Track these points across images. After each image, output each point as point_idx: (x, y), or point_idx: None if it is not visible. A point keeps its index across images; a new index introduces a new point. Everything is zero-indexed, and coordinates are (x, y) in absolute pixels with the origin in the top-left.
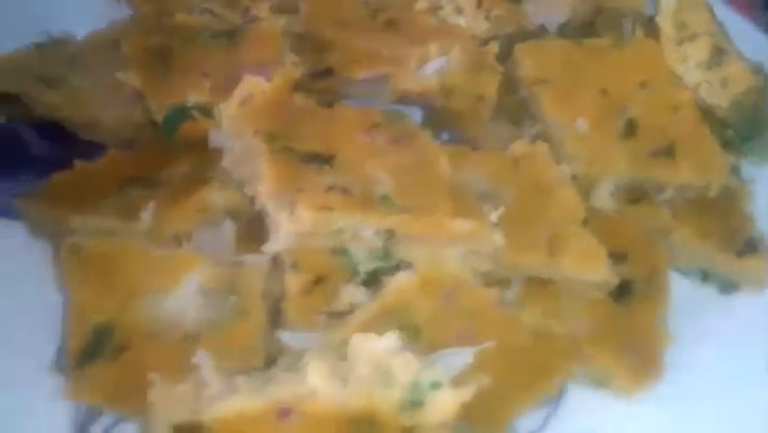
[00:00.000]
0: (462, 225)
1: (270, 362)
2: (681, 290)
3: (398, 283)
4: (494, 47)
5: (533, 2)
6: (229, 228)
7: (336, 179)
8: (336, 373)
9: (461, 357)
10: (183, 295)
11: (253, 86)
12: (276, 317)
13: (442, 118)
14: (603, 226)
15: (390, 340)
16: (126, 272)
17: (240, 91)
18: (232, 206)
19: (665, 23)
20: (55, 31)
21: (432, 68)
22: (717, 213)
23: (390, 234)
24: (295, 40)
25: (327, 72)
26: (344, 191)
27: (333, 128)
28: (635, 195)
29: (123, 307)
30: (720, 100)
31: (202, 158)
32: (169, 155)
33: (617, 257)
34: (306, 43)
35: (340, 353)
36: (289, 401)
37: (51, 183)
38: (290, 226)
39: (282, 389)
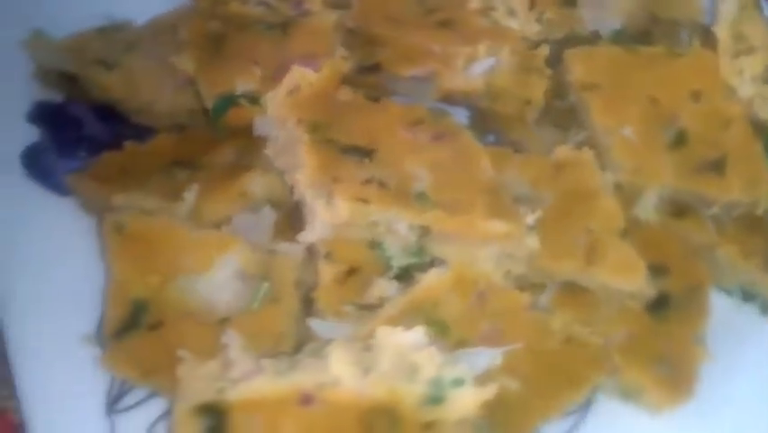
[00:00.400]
0: (497, 226)
1: (300, 349)
2: (722, 307)
3: (430, 280)
4: (544, 50)
5: (587, 7)
6: (268, 215)
7: (375, 172)
8: (360, 363)
9: (487, 357)
10: (218, 277)
11: (301, 76)
12: (308, 306)
13: (487, 120)
14: (645, 238)
15: (416, 334)
16: (166, 251)
17: (288, 81)
18: (272, 193)
19: (723, 32)
20: (118, 16)
21: (479, 68)
22: (764, 232)
23: (425, 231)
24: (346, 34)
25: (375, 67)
26: (382, 185)
27: (376, 122)
28: (680, 208)
29: (160, 284)
30: None
31: (246, 145)
32: (215, 141)
33: (658, 270)
34: (357, 38)
35: (366, 344)
36: (312, 388)
37: (101, 161)
38: (326, 216)
39: (306, 375)
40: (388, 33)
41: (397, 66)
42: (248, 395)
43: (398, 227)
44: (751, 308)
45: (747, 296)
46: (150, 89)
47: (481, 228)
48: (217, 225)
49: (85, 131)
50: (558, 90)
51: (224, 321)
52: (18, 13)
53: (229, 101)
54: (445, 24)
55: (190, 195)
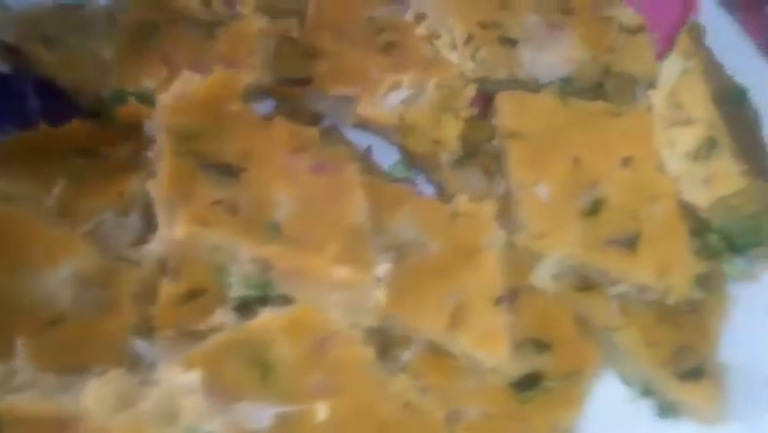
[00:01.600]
0: (342, 272)
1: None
2: (612, 398)
3: (266, 317)
4: (470, 90)
5: (529, 49)
6: (133, 223)
7: (233, 194)
8: (123, 397)
9: (266, 417)
10: (56, 277)
11: (189, 81)
12: (144, 322)
13: (414, 158)
14: (535, 307)
15: (192, 377)
16: (9, 242)
17: (178, 84)
18: (148, 202)
19: (659, 99)
20: None
21: (394, 99)
22: (673, 323)
23: (267, 265)
24: (287, 43)
25: (305, 82)
26: (232, 209)
27: (257, 141)
28: (584, 281)
29: (5, 275)
30: (699, 199)
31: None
32: (119, 134)
33: (539, 345)
34: (297, 49)
35: (143, 379)
36: (69, 417)
37: (11, 140)
38: (166, 233)
39: (69, 401)
40: (331, 48)
41: (327, 83)
42: (15, 408)
43: (240, 257)
44: (647, 405)
45: (645, 391)
46: (82, 70)
47: (326, 272)
48: (84, 222)
49: (25, 104)
50: (489, 133)
51: (56, 321)
52: None
53: (121, 96)
54: (390, 46)
55: (57, 189)
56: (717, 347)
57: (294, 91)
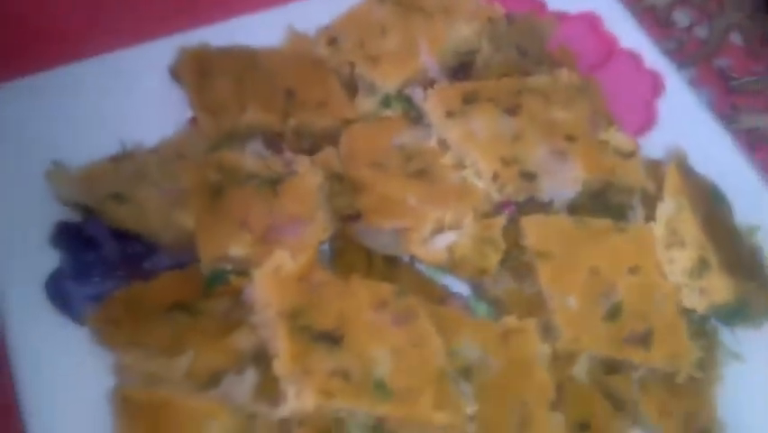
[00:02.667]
0: (441, 418)
1: None
2: None
3: None
4: (500, 221)
5: (545, 178)
6: (251, 376)
7: (341, 360)
8: None
9: None
10: None
11: (282, 260)
12: None
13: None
14: (575, 394)
15: None
16: (163, 418)
17: (270, 264)
18: (256, 349)
19: (659, 228)
20: (128, 139)
21: (442, 241)
22: (682, 396)
23: (380, 418)
24: (332, 179)
25: (356, 217)
26: (345, 376)
27: (346, 304)
28: (611, 367)
29: None
30: (698, 306)
31: (238, 298)
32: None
33: (582, 427)
34: (342, 184)
35: None
36: None
37: (111, 300)
38: (295, 405)
39: None
40: (370, 178)
41: (375, 216)
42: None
43: (358, 415)
44: None
45: None
46: (158, 221)
47: (429, 418)
48: (211, 381)
49: (100, 251)
50: (516, 245)
51: None
52: (38, 142)
53: (221, 276)
54: (421, 174)
55: (186, 358)
56: (716, 412)
57: (347, 229)
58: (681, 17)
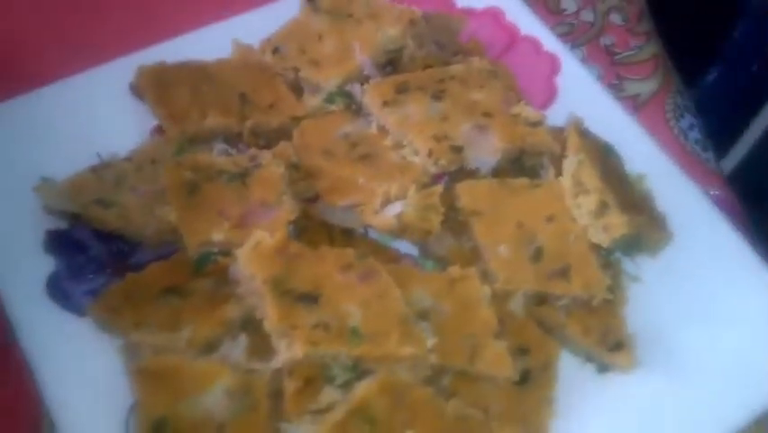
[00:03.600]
0: (407, 351)
1: None
2: (570, 366)
3: (363, 388)
4: (438, 189)
5: (471, 150)
6: (243, 340)
7: (320, 316)
8: None
9: None
10: (213, 396)
11: (261, 237)
12: (277, 411)
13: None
14: (514, 326)
15: None
16: (174, 381)
17: (251, 241)
18: (246, 319)
19: (566, 181)
20: (103, 151)
21: (392, 211)
22: (598, 316)
23: (357, 358)
24: (291, 169)
25: (315, 198)
26: (326, 327)
27: (318, 269)
28: (540, 300)
29: (173, 406)
30: (602, 241)
31: (222, 277)
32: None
33: (522, 350)
34: (299, 171)
35: None
36: None
37: (109, 292)
38: (287, 355)
39: None
40: (323, 165)
41: (330, 196)
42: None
43: (339, 357)
44: (591, 367)
45: (588, 359)
46: (139, 220)
47: (397, 353)
48: (208, 348)
49: (89, 253)
50: (452, 208)
51: (220, 427)
52: (20, 161)
53: (208, 257)
54: (366, 157)
55: (186, 331)
56: (625, 325)
57: (308, 209)
58: (570, 3)
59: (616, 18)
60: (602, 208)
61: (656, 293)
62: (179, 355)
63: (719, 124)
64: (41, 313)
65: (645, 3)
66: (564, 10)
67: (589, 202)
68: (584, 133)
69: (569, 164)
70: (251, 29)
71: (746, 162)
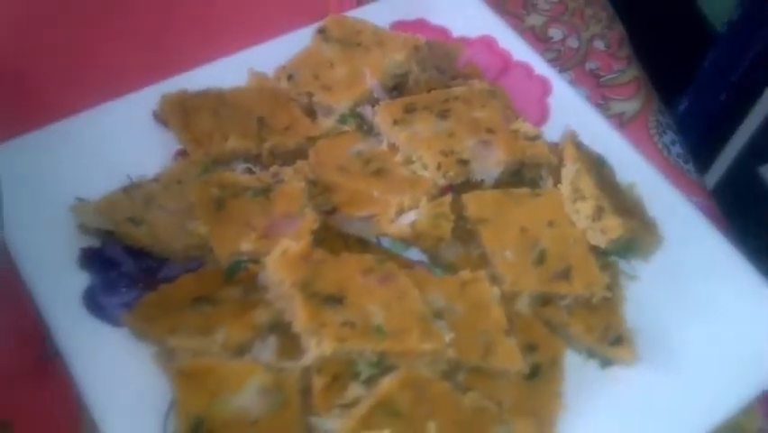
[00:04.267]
0: (428, 347)
1: None
2: (575, 363)
3: (387, 383)
4: (448, 198)
5: (476, 163)
6: (272, 342)
7: (346, 315)
8: None
9: None
10: (247, 394)
11: (287, 245)
12: (307, 406)
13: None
14: (522, 326)
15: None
16: (211, 381)
17: (278, 249)
18: (274, 323)
19: (565, 188)
20: (132, 174)
21: (406, 219)
22: (599, 313)
23: (381, 354)
24: (309, 184)
25: (333, 211)
26: (352, 326)
27: (341, 273)
28: (544, 301)
29: (209, 404)
30: (600, 242)
31: (250, 284)
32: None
33: (531, 347)
34: (317, 187)
35: None
36: None
37: (142, 303)
38: (317, 352)
39: None
40: (338, 180)
41: (348, 209)
42: None
43: (365, 353)
44: (594, 363)
45: (591, 355)
46: (167, 236)
47: (418, 348)
48: (240, 350)
49: (121, 268)
50: (460, 217)
51: (254, 423)
52: (58, 182)
53: (239, 265)
54: (378, 172)
55: (220, 335)
56: (625, 321)
57: (327, 221)
58: (556, 33)
59: (599, 44)
60: (599, 213)
61: (651, 292)
62: (214, 358)
63: (698, 144)
64: (79, 325)
65: (625, 30)
66: (551, 38)
67: (586, 207)
68: (578, 145)
69: (567, 173)
70: (266, 59)
71: (726, 178)
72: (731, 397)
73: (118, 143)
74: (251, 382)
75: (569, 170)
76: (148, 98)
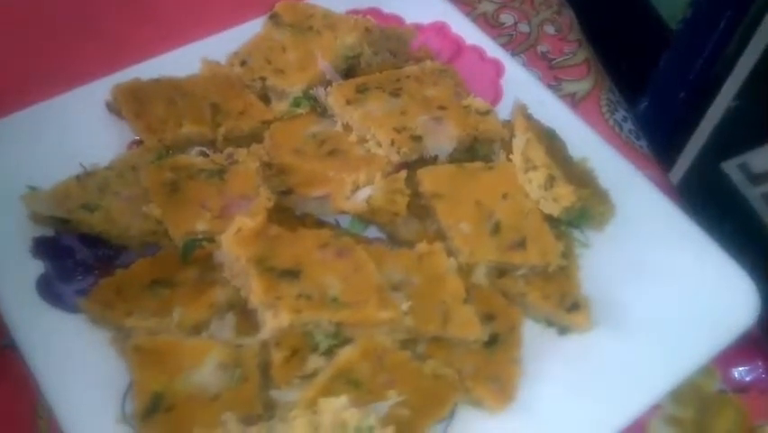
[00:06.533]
0: (384, 315)
1: (269, 412)
2: (533, 331)
3: (346, 353)
4: (403, 174)
5: (429, 139)
6: (230, 319)
7: (302, 288)
8: (311, 424)
9: (385, 406)
10: (206, 370)
11: (242, 223)
12: (267, 380)
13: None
14: (479, 296)
15: (342, 400)
16: (169, 358)
17: (233, 227)
18: (232, 301)
19: (516, 158)
20: (84, 160)
21: (362, 195)
22: (555, 282)
23: (339, 324)
24: (264, 167)
25: (288, 191)
26: (308, 297)
27: (297, 248)
28: (501, 271)
29: (168, 381)
30: (553, 211)
31: (207, 265)
32: (179, 261)
33: (489, 317)
34: (272, 169)
35: (313, 409)
36: None
37: (100, 287)
38: (274, 324)
39: None
40: (293, 162)
41: (303, 189)
42: None
43: (322, 324)
44: (552, 331)
45: (549, 323)
46: (123, 221)
47: (375, 318)
48: (197, 330)
49: (76, 257)
50: (415, 193)
51: (215, 398)
52: (10, 173)
53: (193, 243)
54: (333, 153)
55: (176, 314)
56: (580, 288)
57: (282, 201)
58: (507, 18)
59: (549, 29)
60: (550, 181)
61: (605, 260)
62: (171, 336)
63: (660, 142)
64: (35, 313)
65: (575, 15)
66: (503, 23)
67: (538, 177)
68: (528, 117)
69: (518, 143)
70: (219, 49)
71: (690, 175)
72: (686, 359)
73: (72, 135)
74: (209, 358)
75: (520, 139)
76: (101, 90)
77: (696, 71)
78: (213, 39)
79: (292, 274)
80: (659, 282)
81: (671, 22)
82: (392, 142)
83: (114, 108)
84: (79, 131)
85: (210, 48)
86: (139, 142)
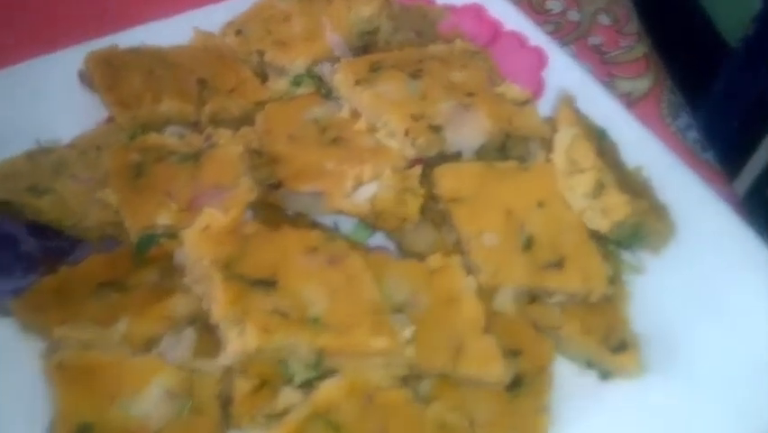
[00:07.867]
0: (379, 343)
1: None
2: (568, 373)
3: (327, 388)
4: (417, 170)
5: (452, 130)
6: (189, 335)
7: (278, 302)
8: None
9: None
10: (149, 397)
11: (212, 217)
12: (226, 416)
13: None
14: (503, 326)
15: None
16: (103, 380)
17: (200, 221)
18: (193, 313)
19: (558, 158)
20: (44, 137)
21: (364, 193)
22: (599, 313)
23: (320, 351)
24: (252, 154)
25: (277, 185)
26: (283, 314)
27: (277, 251)
28: (532, 297)
29: (101, 409)
30: (600, 226)
31: (167, 266)
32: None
33: (513, 353)
34: (262, 157)
35: None
36: None
37: (38, 287)
38: (238, 345)
39: None
40: (287, 151)
41: (294, 183)
42: None
43: (299, 350)
44: (591, 374)
45: (589, 364)
46: (78, 209)
47: (367, 345)
48: (147, 346)
49: (20, 248)
50: (431, 195)
51: None
52: None
53: (150, 239)
54: (336, 141)
55: (122, 324)
56: (630, 324)
57: (269, 195)
58: (555, 4)
59: (603, 19)
60: (599, 188)
61: (662, 289)
62: (110, 352)
63: (724, 153)
64: None
65: (633, 6)
66: (549, 10)
67: (584, 182)
68: (576, 111)
69: (561, 140)
70: (214, 21)
71: (755, 188)
72: (756, 418)
73: (36, 106)
74: (155, 383)
75: (564, 135)
76: (75, 58)
77: (759, 89)
78: (207, 9)
79: (266, 284)
80: (727, 320)
81: (728, 36)
82: (407, 132)
83: (87, 79)
84: (45, 102)
85: (204, 19)
86: (111, 121)
